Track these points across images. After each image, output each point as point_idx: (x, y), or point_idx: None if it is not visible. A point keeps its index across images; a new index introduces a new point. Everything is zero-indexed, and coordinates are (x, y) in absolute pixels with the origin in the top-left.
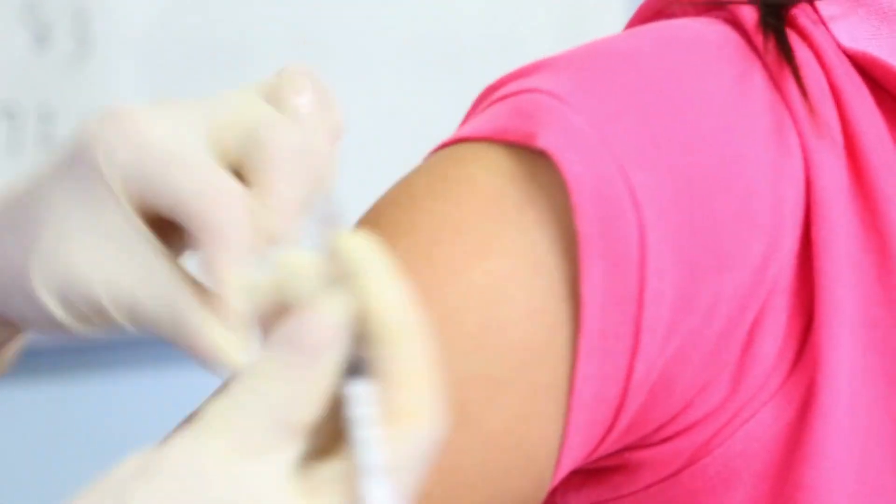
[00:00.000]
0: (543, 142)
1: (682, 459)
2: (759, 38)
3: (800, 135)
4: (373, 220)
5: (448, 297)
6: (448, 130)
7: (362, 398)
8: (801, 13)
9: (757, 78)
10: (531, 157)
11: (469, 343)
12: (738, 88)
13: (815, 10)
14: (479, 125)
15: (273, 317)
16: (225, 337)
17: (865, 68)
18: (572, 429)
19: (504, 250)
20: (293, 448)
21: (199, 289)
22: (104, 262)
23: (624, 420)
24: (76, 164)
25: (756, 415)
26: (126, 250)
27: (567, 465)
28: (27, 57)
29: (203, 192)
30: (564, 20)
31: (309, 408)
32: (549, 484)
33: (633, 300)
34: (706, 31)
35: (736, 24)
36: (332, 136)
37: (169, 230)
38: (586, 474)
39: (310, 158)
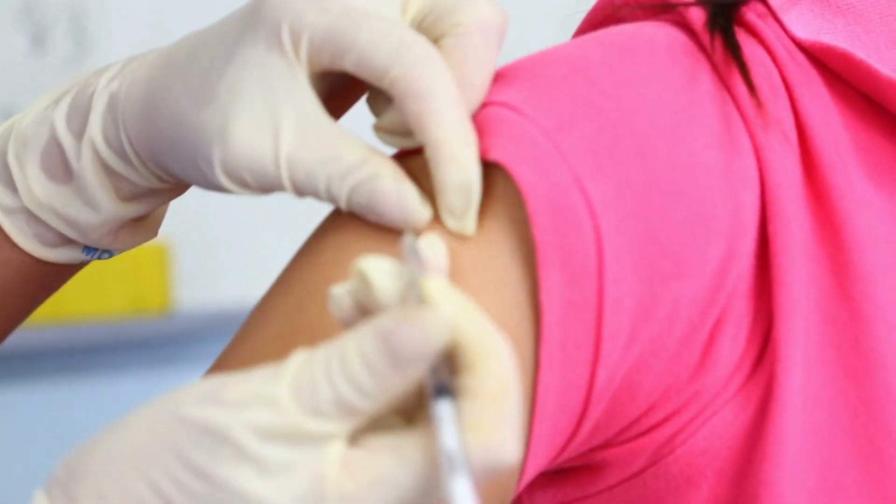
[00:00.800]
0: (496, 153)
1: (645, 458)
2: (706, 38)
3: (751, 134)
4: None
5: None
6: None
7: (446, 417)
8: (750, 10)
9: (705, 80)
10: (486, 169)
11: None
12: (687, 92)
13: (767, 6)
14: None
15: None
16: (420, 200)
17: (822, 59)
18: (535, 438)
19: (467, 266)
20: (343, 427)
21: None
22: (282, 138)
23: (587, 426)
24: (256, 28)
25: (718, 413)
26: (309, 128)
27: (531, 473)
28: (25, 59)
29: (406, 52)
30: (559, 20)
31: (374, 405)
32: (513, 492)
33: (592, 308)
34: (655, 35)
35: (684, 25)
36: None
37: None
38: (551, 474)
39: (493, 51)
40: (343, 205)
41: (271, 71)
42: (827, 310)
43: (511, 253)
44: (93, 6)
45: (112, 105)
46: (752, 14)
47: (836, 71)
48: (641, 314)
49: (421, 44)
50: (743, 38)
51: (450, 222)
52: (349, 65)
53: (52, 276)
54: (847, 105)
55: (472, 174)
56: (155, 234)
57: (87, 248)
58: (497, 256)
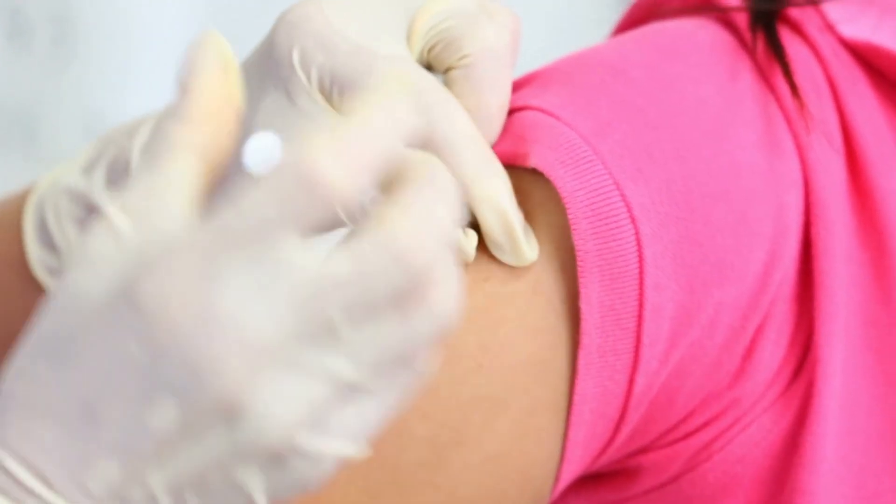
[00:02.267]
0: (535, 160)
1: (681, 463)
2: (749, 37)
3: (794, 135)
4: None
5: None
6: None
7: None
8: (794, 6)
9: (748, 79)
10: (525, 175)
11: (469, 365)
12: (729, 92)
13: (815, 6)
14: None
15: None
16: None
17: (868, 59)
18: (571, 445)
19: (503, 273)
20: None
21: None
22: None
23: (624, 433)
24: (272, 71)
25: (757, 420)
26: None
27: (566, 480)
28: (6, 56)
29: (419, 98)
30: (555, 21)
31: None
32: (547, 498)
33: (632, 316)
34: (696, 33)
35: (727, 23)
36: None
37: None
38: (587, 478)
39: (504, 76)
40: None
41: (295, 111)
42: (869, 315)
43: (548, 260)
44: (76, 4)
45: None
46: (795, 10)
47: (884, 71)
48: (682, 320)
49: (431, 90)
50: (787, 35)
51: (507, 258)
52: None
53: None
54: (893, 106)
55: (505, 208)
56: None
57: None
58: (534, 263)
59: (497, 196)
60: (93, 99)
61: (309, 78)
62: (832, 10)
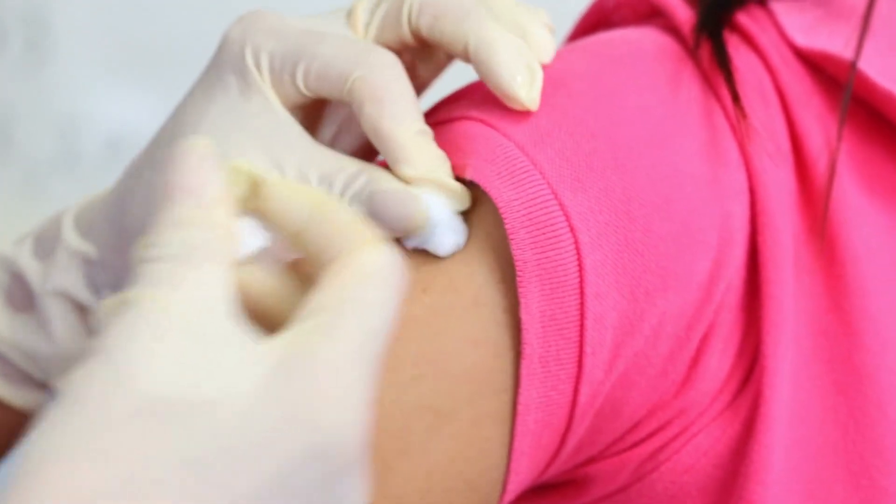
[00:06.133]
0: (472, 172)
1: (629, 473)
2: (696, 44)
3: (740, 144)
4: None
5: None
6: None
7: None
8: (747, 13)
9: (693, 88)
10: (465, 186)
11: (410, 374)
12: (672, 101)
13: (766, 8)
14: None
15: None
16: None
17: (821, 66)
18: (516, 455)
19: (444, 286)
20: None
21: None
22: (267, 156)
23: (571, 443)
24: (222, 73)
25: (704, 430)
26: (286, 144)
27: (514, 490)
28: None
29: (368, 55)
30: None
31: None
32: None
33: (574, 325)
34: (641, 42)
35: (675, 31)
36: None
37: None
38: (536, 490)
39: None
40: None
41: (247, 112)
42: (820, 323)
43: (489, 271)
44: (53, 5)
45: (79, 219)
46: (746, 18)
47: (835, 78)
48: (626, 329)
49: (381, 51)
50: (736, 43)
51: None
52: (312, 79)
53: (20, 425)
54: (839, 113)
55: (431, 170)
56: None
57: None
58: (474, 275)
59: (425, 154)
60: (67, 102)
61: (260, 68)
62: (788, 19)
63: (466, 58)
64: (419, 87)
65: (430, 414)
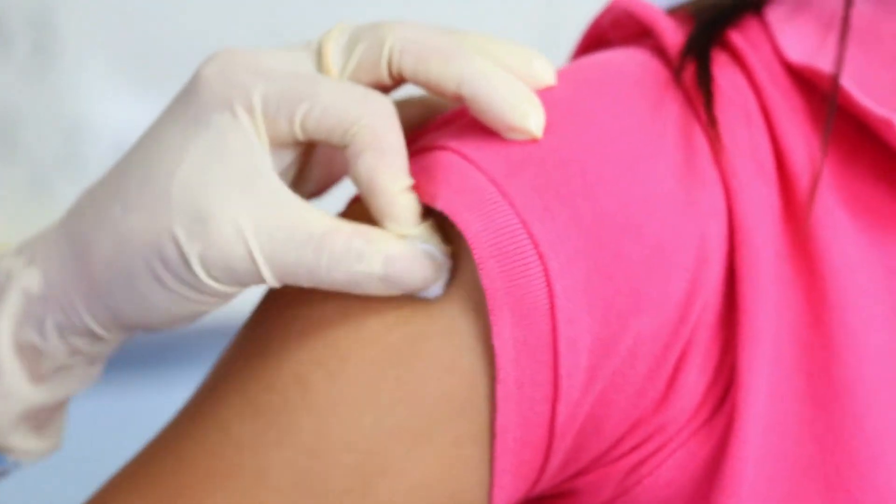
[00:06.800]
0: (443, 203)
1: (613, 486)
2: (679, 65)
3: (718, 163)
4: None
5: (366, 356)
6: None
7: None
8: (742, 29)
9: (673, 110)
10: (437, 216)
11: (390, 397)
12: (650, 124)
13: (763, 22)
14: None
15: None
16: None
17: (812, 81)
18: (499, 472)
19: (420, 316)
20: None
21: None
22: (247, 202)
23: (556, 459)
24: (204, 110)
25: (685, 445)
26: (274, 203)
27: (503, 502)
28: None
29: (373, 103)
30: (542, 24)
31: None
32: None
33: (547, 349)
34: (625, 65)
35: (661, 51)
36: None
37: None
38: (530, 501)
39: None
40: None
41: (229, 154)
42: (799, 336)
43: (462, 301)
44: (59, 6)
45: (23, 248)
46: (738, 35)
47: (824, 93)
48: (600, 351)
49: (381, 98)
50: (724, 62)
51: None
52: (311, 123)
53: None
54: (832, 132)
55: (415, 226)
56: (57, 444)
57: None
58: (449, 304)
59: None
60: (73, 105)
61: (251, 109)
62: (784, 33)
63: (457, 97)
64: None
65: (409, 436)
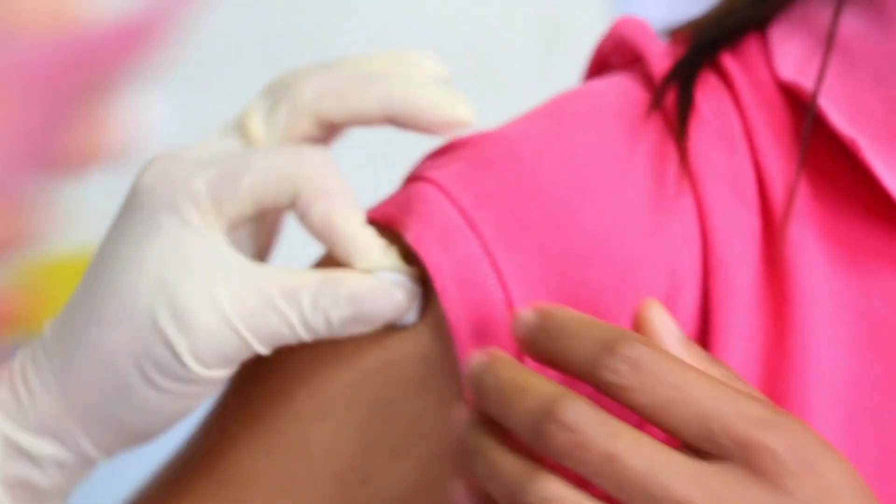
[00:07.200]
0: (411, 234)
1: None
2: (660, 93)
3: (695, 190)
4: None
5: (344, 377)
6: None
7: None
8: (731, 52)
9: (650, 139)
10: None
11: (368, 413)
12: (624, 156)
13: (764, 40)
14: (382, 205)
15: None
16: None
17: (801, 99)
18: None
19: (395, 341)
20: None
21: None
22: (215, 290)
23: None
24: (153, 214)
25: None
26: (231, 272)
27: None
28: None
29: (308, 156)
30: (543, 24)
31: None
32: None
33: None
34: (607, 94)
35: (647, 77)
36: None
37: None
38: None
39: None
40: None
41: (184, 249)
42: (766, 364)
43: (434, 330)
44: None
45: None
46: (730, 57)
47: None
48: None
49: (313, 147)
50: (711, 86)
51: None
52: (256, 192)
53: None
54: (813, 154)
55: (381, 259)
56: None
57: None
58: (422, 333)
59: (378, 252)
60: None
61: (196, 200)
62: (782, 49)
63: (385, 119)
64: None
65: (387, 450)
